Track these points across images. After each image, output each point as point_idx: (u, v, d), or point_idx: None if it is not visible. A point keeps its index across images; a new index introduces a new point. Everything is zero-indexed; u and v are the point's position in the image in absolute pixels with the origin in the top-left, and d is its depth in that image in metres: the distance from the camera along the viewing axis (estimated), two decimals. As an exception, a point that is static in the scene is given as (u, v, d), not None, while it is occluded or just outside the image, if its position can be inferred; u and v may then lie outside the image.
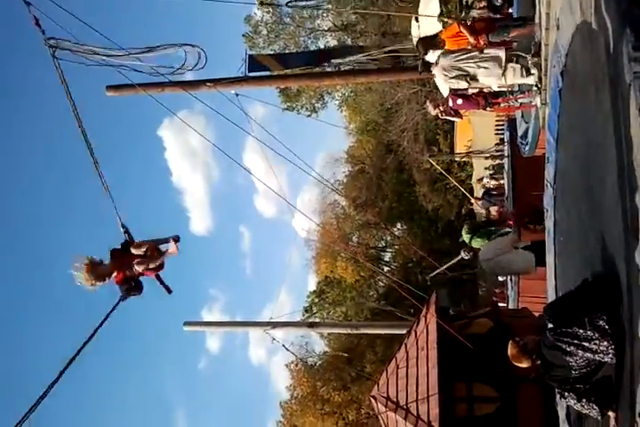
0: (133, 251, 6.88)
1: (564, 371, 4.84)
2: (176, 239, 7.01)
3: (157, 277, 7.07)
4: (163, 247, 7.01)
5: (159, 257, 6.95)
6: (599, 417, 4.92)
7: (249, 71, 12.10)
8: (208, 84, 11.74)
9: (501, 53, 8.45)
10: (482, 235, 11.22)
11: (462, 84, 8.78)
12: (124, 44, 7.84)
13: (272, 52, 27.80)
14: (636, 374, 3.95)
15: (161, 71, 8.54)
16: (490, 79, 8.80)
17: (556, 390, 5.10)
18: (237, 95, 11.77)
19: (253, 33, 32.59)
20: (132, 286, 6.87)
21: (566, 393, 4.96)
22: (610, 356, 4.53)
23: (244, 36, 32.69)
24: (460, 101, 9.38)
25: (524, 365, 5.12)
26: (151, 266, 6.93)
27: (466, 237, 11.29)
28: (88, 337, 6.11)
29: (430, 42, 8.70)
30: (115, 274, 6.79)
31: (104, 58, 7.82)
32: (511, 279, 14.09)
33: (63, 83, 7.14)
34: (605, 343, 4.51)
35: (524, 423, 10.91)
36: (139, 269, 6.85)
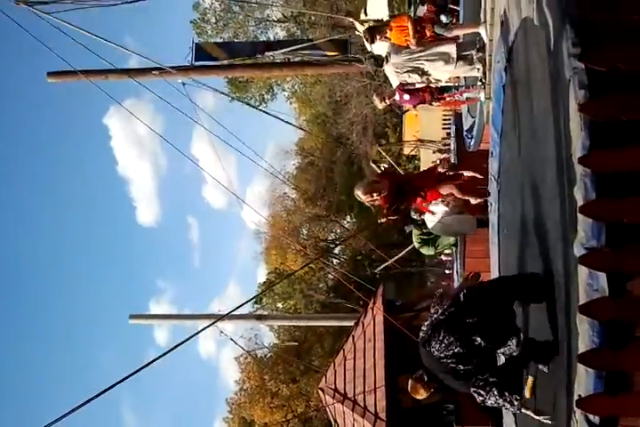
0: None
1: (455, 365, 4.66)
2: None
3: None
4: None
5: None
6: (518, 410, 4.89)
7: (196, 60, 11.97)
8: (154, 72, 11.55)
9: (452, 49, 8.54)
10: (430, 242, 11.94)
11: (415, 78, 8.84)
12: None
13: (220, 41, 27.50)
14: (574, 364, 4.04)
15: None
16: (441, 73, 8.89)
17: (473, 392, 4.81)
18: (184, 84, 11.62)
19: (201, 21, 32.18)
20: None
21: (482, 391, 4.73)
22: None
23: (191, 22, 32.29)
24: (406, 97, 9.45)
25: (423, 396, 5.01)
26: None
27: (417, 245, 11.94)
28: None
29: (377, 30, 8.74)
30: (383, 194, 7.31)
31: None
32: (457, 272, 14.28)
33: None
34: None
35: (466, 411, 11.10)
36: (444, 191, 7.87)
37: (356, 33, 10.53)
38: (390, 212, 7.43)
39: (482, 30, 8.44)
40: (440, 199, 8.24)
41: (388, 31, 8.69)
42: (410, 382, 5.04)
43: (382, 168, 8.06)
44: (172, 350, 4.13)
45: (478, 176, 8.52)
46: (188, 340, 4.35)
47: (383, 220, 7.77)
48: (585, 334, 3.87)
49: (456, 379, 4.74)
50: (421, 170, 7.93)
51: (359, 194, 7.44)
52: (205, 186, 57.14)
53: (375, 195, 7.32)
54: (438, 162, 8.56)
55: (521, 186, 6.15)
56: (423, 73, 8.77)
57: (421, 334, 4.95)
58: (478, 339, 4.59)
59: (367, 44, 9.33)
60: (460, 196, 8.17)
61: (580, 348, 3.93)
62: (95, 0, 8.16)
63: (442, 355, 4.66)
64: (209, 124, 11.25)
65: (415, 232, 11.39)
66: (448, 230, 9.95)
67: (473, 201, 8.59)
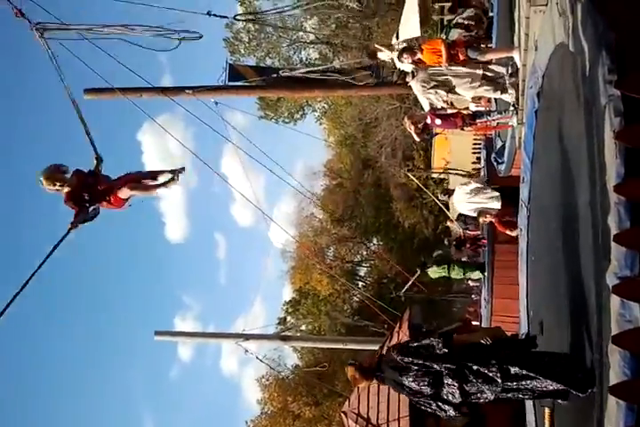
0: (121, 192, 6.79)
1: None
2: (180, 171, 6.98)
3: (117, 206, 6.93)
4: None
5: (156, 188, 6.94)
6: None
7: (229, 80, 12.11)
8: (188, 91, 11.71)
9: (478, 71, 8.58)
10: (455, 267, 12.70)
11: (441, 95, 8.85)
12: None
13: (253, 65, 27.83)
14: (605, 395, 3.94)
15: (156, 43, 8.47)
16: (467, 92, 8.91)
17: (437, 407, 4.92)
18: (217, 103, 11.75)
19: (234, 39, 32.57)
20: (85, 212, 6.70)
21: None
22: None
23: (224, 40, 32.71)
24: (438, 121, 9.51)
25: (364, 385, 5.25)
26: (140, 194, 6.90)
27: (438, 273, 12.62)
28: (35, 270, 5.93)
29: (408, 49, 8.86)
30: (67, 189, 6.60)
31: (94, 32, 7.76)
32: (485, 298, 14.11)
33: (54, 62, 7.11)
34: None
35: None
36: (122, 195, 6.77)
37: (381, 58, 10.56)
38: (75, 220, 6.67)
39: (515, 55, 8.43)
40: None
41: (419, 52, 8.76)
42: (351, 372, 5.18)
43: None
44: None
45: None
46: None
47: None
48: (616, 366, 3.78)
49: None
50: (107, 176, 7.19)
51: (41, 179, 6.64)
52: (233, 204, 57.57)
53: (58, 184, 6.61)
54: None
55: (552, 213, 6.07)
56: (450, 89, 8.79)
57: (400, 356, 4.98)
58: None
59: (397, 62, 9.40)
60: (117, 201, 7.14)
61: (611, 380, 3.84)
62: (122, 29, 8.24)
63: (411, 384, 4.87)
64: (239, 143, 11.33)
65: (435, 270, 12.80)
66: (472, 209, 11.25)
67: None
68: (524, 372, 4.71)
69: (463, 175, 21.11)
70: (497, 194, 11.21)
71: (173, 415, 60.75)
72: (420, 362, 4.83)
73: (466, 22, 11.95)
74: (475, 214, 11.63)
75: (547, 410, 5.23)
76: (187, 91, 11.63)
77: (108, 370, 62.39)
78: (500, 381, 4.70)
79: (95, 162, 6.97)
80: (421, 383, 4.83)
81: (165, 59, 59.66)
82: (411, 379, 4.86)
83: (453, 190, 12.85)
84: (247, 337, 12.48)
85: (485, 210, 11.30)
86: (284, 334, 27.45)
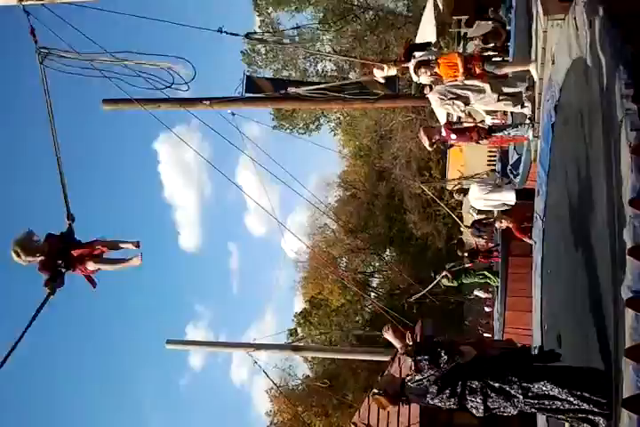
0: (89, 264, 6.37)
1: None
2: (137, 245, 6.54)
3: (88, 277, 6.51)
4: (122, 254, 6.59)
5: (122, 263, 6.54)
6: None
7: (246, 92, 12.20)
8: (205, 102, 11.81)
9: (487, 87, 8.63)
10: (468, 275, 12.89)
11: (458, 106, 8.89)
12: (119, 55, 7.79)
13: (269, 77, 28.01)
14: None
15: (155, 85, 8.39)
16: (484, 106, 8.96)
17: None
18: (234, 114, 11.84)
19: (251, 51, 32.79)
20: (57, 278, 6.22)
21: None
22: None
23: (241, 52, 32.93)
24: (453, 136, 9.58)
25: (391, 409, 5.33)
26: (106, 268, 6.49)
27: (450, 284, 13.01)
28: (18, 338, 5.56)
29: (426, 62, 8.91)
30: (41, 258, 6.18)
31: (93, 65, 7.71)
32: (497, 311, 14.06)
33: (45, 89, 6.96)
34: None
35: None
36: (90, 267, 6.36)
37: (376, 76, 10.57)
38: (48, 283, 6.16)
39: (532, 68, 8.46)
40: None
41: (436, 66, 8.80)
42: (380, 402, 5.25)
43: None
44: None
45: None
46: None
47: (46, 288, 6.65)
48: (629, 379, 3.78)
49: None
50: (79, 241, 6.65)
51: (18, 251, 6.11)
52: (247, 214, 57.75)
53: (32, 255, 6.14)
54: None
55: (567, 226, 6.08)
56: (467, 102, 8.83)
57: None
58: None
59: (414, 76, 9.44)
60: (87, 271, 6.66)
61: (624, 393, 3.84)
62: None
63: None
64: (254, 154, 11.40)
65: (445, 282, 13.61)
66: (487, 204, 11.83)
67: None
68: (545, 388, 4.68)
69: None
70: (512, 187, 11.56)
71: (183, 425, 60.75)
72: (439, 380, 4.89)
73: (482, 36, 12.02)
74: (492, 209, 12.14)
75: (567, 425, 5.22)
76: (204, 102, 11.73)
77: (119, 378, 62.56)
78: (521, 397, 4.70)
79: (67, 221, 6.49)
80: (447, 403, 4.89)
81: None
82: (437, 400, 4.92)
83: (468, 189, 13.04)
84: (258, 347, 12.47)
85: (501, 215, 11.52)
86: (295, 344, 27.46)
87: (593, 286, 4.98)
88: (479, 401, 4.79)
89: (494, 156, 17.70)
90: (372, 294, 37.33)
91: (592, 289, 5.00)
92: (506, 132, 9.60)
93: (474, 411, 4.86)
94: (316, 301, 36.90)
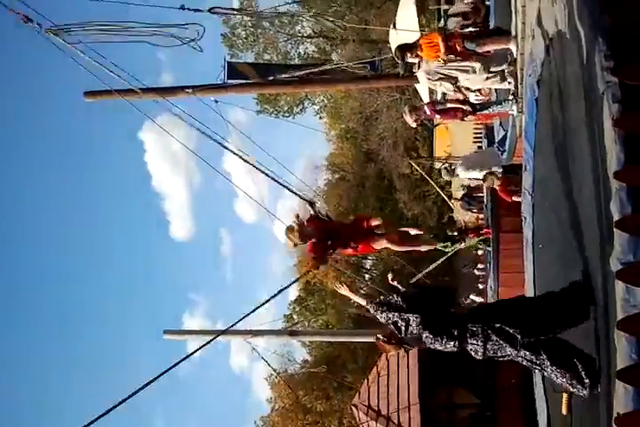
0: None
1: None
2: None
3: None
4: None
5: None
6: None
7: (228, 78, 12.10)
8: (187, 90, 11.70)
9: (477, 65, 8.57)
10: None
11: (447, 86, 8.86)
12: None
13: (251, 62, 27.81)
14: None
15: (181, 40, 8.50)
16: (472, 83, 8.92)
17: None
18: (217, 102, 11.74)
19: (232, 35, 32.56)
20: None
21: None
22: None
23: (221, 35, 32.67)
24: (438, 116, 9.56)
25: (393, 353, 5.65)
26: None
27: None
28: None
29: (408, 48, 8.77)
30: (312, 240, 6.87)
31: (110, 32, 7.72)
32: (491, 287, 14.14)
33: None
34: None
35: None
36: (377, 244, 7.17)
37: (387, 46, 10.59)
38: (319, 260, 7.05)
39: (512, 45, 8.42)
40: None
41: (419, 50, 8.69)
42: (386, 347, 5.36)
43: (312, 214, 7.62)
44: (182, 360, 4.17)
45: (418, 232, 8.24)
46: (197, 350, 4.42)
47: (311, 267, 7.38)
48: (623, 351, 3.80)
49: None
50: (352, 219, 7.40)
51: (290, 236, 6.99)
52: (237, 200, 57.67)
53: (297, 237, 6.92)
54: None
55: (555, 200, 6.09)
56: (455, 81, 8.78)
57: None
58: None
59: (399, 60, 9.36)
60: (397, 248, 7.81)
61: (618, 364, 3.87)
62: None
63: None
64: (240, 140, 11.31)
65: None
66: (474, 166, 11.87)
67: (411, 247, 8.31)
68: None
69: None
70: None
71: (183, 413, 61.09)
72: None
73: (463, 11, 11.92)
74: (480, 177, 11.98)
75: (564, 395, 5.30)
76: (186, 90, 11.62)
77: (117, 366, 62.71)
78: (519, 337, 4.81)
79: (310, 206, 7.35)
80: (447, 346, 4.97)
81: (164, 56, 59.66)
82: (437, 345, 5.00)
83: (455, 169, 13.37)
84: (255, 333, 12.48)
85: (490, 173, 11.54)
86: (292, 329, 27.53)
87: (583, 260, 5.00)
88: (480, 344, 4.88)
89: (480, 133, 17.72)
90: (367, 275, 37.44)
91: (583, 262, 5.02)
92: (490, 110, 9.60)
93: (473, 354, 4.95)
94: (311, 287, 36.98)
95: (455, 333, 4.92)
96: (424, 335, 4.99)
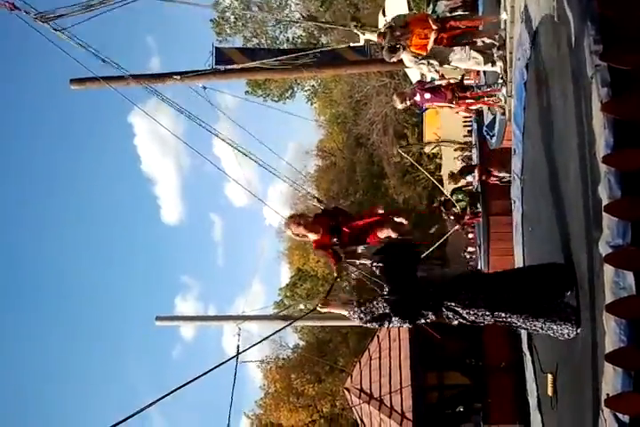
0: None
1: None
2: None
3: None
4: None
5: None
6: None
7: (216, 64, 12.03)
8: (175, 76, 11.63)
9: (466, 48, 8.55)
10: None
11: (434, 65, 8.78)
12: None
13: (239, 46, 27.64)
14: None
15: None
16: (460, 63, 8.87)
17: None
18: (205, 88, 11.68)
19: (221, 19, 32.35)
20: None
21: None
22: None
23: (211, 21, 32.47)
24: (427, 95, 9.48)
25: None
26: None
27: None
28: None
29: (397, 35, 8.69)
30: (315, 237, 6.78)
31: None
32: (481, 269, 14.25)
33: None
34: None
35: (494, 411, 11.05)
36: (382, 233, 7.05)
37: (362, 38, 10.49)
38: (336, 261, 7.02)
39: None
40: None
41: (408, 38, 8.57)
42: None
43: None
44: (198, 377, 4.11)
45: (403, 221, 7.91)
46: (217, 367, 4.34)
47: (337, 272, 7.26)
48: (612, 333, 3.84)
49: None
50: (364, 211, 7.28)
51: (291, 228, 6.84)
52: (228, 184, 57.60)
53: (304, 230, 6.78)
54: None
55: (545, 184, 6.11)
56: (442, 60, 8.72)
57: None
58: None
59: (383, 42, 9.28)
60: (396, 235, 7.56)
61: (607, 347, 3.91)
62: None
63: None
64: (230, 125, 11.29)
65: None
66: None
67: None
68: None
69: (455, 149, 21.12)
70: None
71: (175, 397, 61.20)
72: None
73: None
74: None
75: (549, 376, 5.34)
76: (174, 77, 11.56)
77: (110, 350, 62.83)
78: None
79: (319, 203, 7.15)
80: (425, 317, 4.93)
81: (152, 40, 59.33)
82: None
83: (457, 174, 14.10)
84: (247, 318, 12.52)
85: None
86: (284, 313, 27.55)
87: (571, 243, 5.03)
88: (456, 316, 4.88)
89: (470, 117, 17.70)
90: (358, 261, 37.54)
91: (570, 246, 5.06)
92: (480, 90, 9.59)
93: (448, 321, 4.94)
94: (302, 273, 37.08)
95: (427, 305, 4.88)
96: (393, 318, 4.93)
